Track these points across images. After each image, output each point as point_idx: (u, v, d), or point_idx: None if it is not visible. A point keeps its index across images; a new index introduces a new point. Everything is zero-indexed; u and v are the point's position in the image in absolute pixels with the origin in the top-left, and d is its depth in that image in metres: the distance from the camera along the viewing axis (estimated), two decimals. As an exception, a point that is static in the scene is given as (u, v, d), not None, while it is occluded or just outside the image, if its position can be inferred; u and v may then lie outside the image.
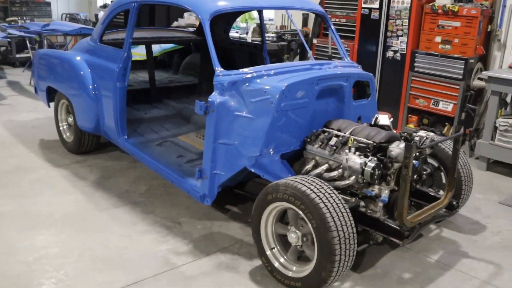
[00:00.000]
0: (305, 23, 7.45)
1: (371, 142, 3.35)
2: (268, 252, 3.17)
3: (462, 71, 5.45)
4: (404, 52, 5.97)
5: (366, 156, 3.22)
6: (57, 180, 4.59)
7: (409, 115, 6.10)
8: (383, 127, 3.63)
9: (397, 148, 3.23)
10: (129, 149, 4.40)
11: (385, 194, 3.23)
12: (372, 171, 3.10)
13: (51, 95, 5.36)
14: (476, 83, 5.37)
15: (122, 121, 4.41)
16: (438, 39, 5.71)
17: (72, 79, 4.75)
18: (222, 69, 3.50)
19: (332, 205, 2.84)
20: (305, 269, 3.00)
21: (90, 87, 4.60)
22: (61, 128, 5.35)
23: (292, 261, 3.14)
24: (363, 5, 6.24)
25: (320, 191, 2.88)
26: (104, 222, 3.87)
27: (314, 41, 6.93)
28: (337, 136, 3.49)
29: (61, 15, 11.48)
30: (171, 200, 4.26)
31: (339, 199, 2.90)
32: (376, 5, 6.11)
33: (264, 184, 3.83)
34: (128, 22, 4.27)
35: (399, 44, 6.00)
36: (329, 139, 3.49)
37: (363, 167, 3.13)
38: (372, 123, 3.70)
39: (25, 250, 3.42)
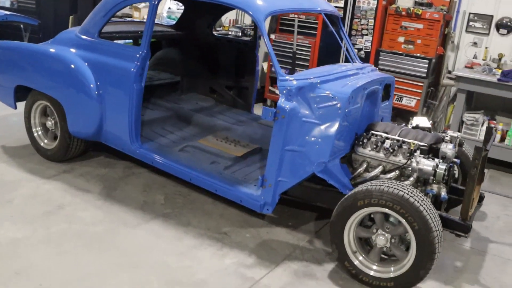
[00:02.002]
0: (256, 17, 7.41)
1: (424, 144, 3.56)
2: (356, 261, 3.22)
3: (426, 70, 5.98)
4: (369, 50, 6.33)
5: (432, 158, 3.43)
6: (57, 195, 4.04)
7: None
8: (423, 129, 3.87)
9: (449, 150, 3.49)
10: (147, 157, 4.04)
11: (443, 192, 3.48)
12: (444, 173, 3.33)
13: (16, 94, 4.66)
14: (446, 81, 5.94)
15: (137, 126, 4.03)
16: (401, 39, 6.16)
17: (65, 78, 4.17)
18: (285, 74, 3.40)
19: (428, 207, 3.00)
20: (399, 269, 3.12)
21: (92, 87, 4.09)
22: (35, 134, 4.67)
23: (376, 262, 3.24)
24: (327, 4, 6.43)
25: (415, 195, 3.02)
26: (145, 240, 3.53)
27: (272, 36, 6.96)
28: (388, 138, 3.65)
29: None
30: (199, 209, 4.03)
31: (429, 202, 3.07)
32: (340, 4, 6.36)
33: (308, 187, 3.86)
34: (148, 18, 3.88)
35: (364, 43, 6.34)
36: (383, 142, 3.63)
37: (435, 169, 3.34)
38: (414, 125, 3.91)
39: (77, 283, 2.99)
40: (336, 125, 3.32)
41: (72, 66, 4.15)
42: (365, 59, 6.35)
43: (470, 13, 6.13)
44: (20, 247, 3.28)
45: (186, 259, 3.35)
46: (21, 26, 7.30)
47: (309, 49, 6.71)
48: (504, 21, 5.96)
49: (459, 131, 5.68)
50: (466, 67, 5.92)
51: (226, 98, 5.50)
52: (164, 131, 4.57)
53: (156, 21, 7.66)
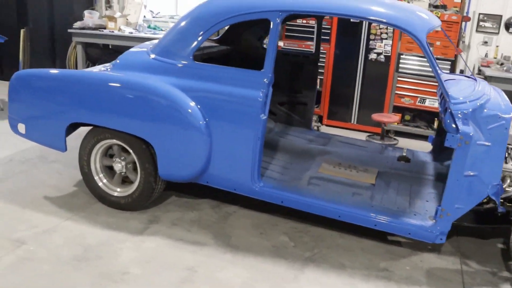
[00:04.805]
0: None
1: None
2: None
3: (449, 71, 6.10)
4: (389, 54, 6.28)
5: None
6: (172, 255, 3.34)
7: (393, 113, 6.49)
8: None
9: None
10: (276, 197, 3.51)
11: None
12: None
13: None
14: (477, 81, 6.09)
15: (260, 162, 3.49)
16: (420, 41, 6.20)
17: (159, 112, 3.45)
18: (455, 96, 3.18)
19: None
20: None
21: (199, 121, 3.43)
22: (99, 183, 3.82)
23: None
24: (342, 8, 6.24)
25: None
26: (318, 293, 3.07)
27: (280, 43, 6.59)
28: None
29: None
30: (336, 246, 3.62)
31: None
32: (357, 8, 6.19)
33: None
34: (270, 39, 3.35)
35: (383, 47, 6.27)
36: (526, 155, 3.58)
37: None
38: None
39: None
40: (505, 145, 3.20)
41: (169, 97, 3.44)
42: (385, 63, 6.31)
43: (480, 14, 6.39)
44: (201, 333, 2.64)
45: (381, 309, 2.97)
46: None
47: (323, 56, 6.47)
48: (512, 20, 6.34)
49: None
50: (483, 66, 6.16)
51: (279, 116, 5.06)
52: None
53: (135, 32, 6.89)
